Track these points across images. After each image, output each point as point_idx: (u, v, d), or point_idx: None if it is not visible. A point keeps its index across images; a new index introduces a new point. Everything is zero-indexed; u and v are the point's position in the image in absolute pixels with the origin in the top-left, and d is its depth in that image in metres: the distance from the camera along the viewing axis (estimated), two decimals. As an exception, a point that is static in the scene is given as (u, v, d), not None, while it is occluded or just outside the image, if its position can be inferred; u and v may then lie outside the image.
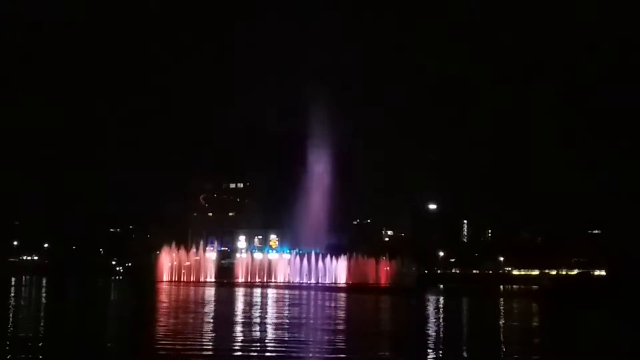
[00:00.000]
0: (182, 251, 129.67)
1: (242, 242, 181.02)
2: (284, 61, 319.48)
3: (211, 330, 31.88)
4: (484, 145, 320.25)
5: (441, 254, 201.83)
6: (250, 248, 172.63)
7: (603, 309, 53.86)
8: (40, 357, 22.81)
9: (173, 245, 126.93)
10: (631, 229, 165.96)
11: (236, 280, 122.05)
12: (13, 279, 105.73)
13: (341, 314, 46.34)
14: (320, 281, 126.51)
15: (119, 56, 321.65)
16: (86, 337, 28.69)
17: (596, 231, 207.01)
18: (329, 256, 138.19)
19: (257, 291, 78.69)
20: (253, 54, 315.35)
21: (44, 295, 65.56)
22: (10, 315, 38.52)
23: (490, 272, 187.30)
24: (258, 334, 30.40)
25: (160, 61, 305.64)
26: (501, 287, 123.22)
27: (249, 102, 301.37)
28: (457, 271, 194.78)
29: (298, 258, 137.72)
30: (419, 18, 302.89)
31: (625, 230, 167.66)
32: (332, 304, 56.86)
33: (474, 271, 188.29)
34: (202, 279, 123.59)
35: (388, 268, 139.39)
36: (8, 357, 21.84)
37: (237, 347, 25.40)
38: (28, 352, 23.13)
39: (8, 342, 25.22)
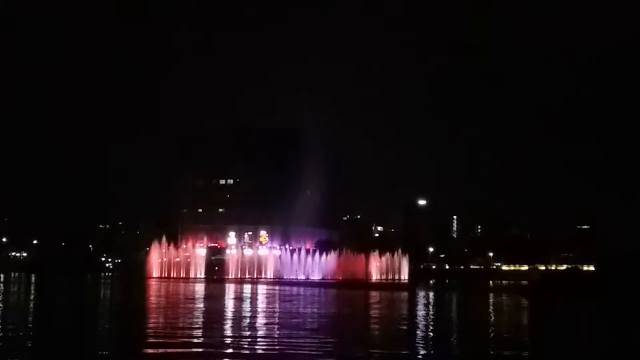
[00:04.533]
0: (172, 247, 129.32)
1: (232, 238, 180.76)
2: (277, 58, 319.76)
3: (199, 326, 31.80)
4: (475, 142, 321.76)
5: (431, 249, 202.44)
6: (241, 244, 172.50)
7: (592, 304, 54.12)
8: (26, 354, 22.70)
9: (163, 241, 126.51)
10: (619, 224, 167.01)
11: (226, 277, 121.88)
12: (2, 276, 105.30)
13: (331, 309, 46.40)
14: (310, 277, 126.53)
15: (111, 54, 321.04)
16: (73, 333, 28.55)
17: (585, 227, 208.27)
18: (319, 252, 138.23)
19: (247, 287, 78.64)
20: (245, 52, 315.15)
21: (32, 292, 65.24)
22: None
23: (480, 267, 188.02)
24: (246, 330, 30.33)
25: (152, 60, 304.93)
26: (491, 282, 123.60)
27: (240, 99, 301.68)
28: (447, 267, 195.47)
29: (288, 254, 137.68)
30: (420, 17, 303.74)
31: (614, 226, 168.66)
32: (322, 300, 56.90)
33: (464, 267, 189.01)
34: (192, 275, 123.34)
35: (378, 264, 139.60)
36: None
37: (224, 342, 25.33)
38: (14, 349, 22.97)
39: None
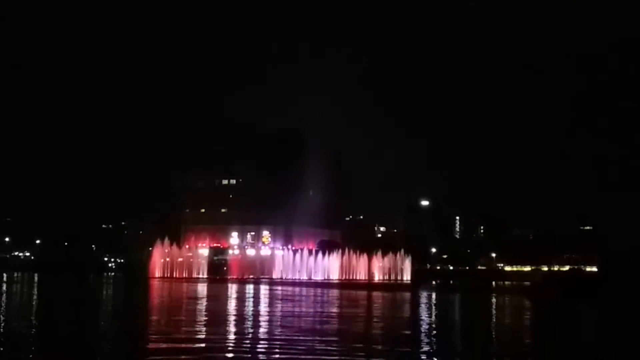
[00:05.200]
0: (175, 247, 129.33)
1: (234, 238, 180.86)
2: (277, 59, 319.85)
3: (201, 325, 31.81)
4: (478, 142, 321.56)
5: (433, 250, 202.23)
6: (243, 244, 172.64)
7: (594, 304, 54.08)
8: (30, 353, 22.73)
9: (165, 241, 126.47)
10: (623, 225, 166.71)
11: (229, 277, 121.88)
12: (5, 276, 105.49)
13: (332, 309, 46.42)
14: (313, 277, 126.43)
15: (112, 54, 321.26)
16: (76, 333, 28.60)
17: (588, 227, 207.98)
18: (321, 252, 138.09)
19: (249, 287, 78.63)
20: (246, 52, 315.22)
21: (35, 292, 65.34)
22: (1, 311, 38.35)
23: (483, 268, 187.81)
24: (250, 329, 30.35)
25: (154, 59, 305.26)
26: (493, 283, 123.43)
27: (242, 99, 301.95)
28: (450, 267, 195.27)
29: (291, 254, 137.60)
30: (422, 15, 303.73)
31: (616, 227, 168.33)
32: (324, 300, 56.91)
33: (467, 267, 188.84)
34: (194, 275, 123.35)
35: (381, 264, 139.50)
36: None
37: (226, 342, 25.36)
38: (18, 348, 23.01)
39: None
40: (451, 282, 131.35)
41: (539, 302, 56.86)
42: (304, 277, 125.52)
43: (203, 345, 24.49)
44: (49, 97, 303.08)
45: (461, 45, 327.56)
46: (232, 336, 27.46)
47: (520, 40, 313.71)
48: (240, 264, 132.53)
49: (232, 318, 36.46)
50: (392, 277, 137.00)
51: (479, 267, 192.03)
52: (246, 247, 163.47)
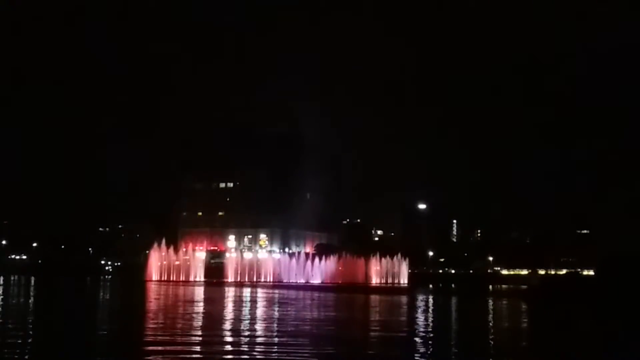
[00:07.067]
0: (172, 251, 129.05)
1: (231, 241, 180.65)
2: (277, 60, 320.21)
3: (196, 328, 31.79)
4: (475, 146, 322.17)
5: (431, 253, 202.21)
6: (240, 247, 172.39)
7: (591, 308, 54.08)
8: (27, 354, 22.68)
9: (162, 244, 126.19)
10: (619, 228, 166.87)
11: (225, 280, 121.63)
12: (1, 279, 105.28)
13: (329, 312, 46.38)
14: (310, 281, 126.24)
15: (112, 54, 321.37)
16: (72, 336, 28.54)
17: (585, 231, 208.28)
18: (319, 256, 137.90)
19: (246, 291, 78.54)
20: (246, 54, 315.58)
21: (31, 295, 65.22)
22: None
23: (480, 271, 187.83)
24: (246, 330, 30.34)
25: (152, 61, 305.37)
26: (490, 286, 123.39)
27: (241, 103, 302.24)
28: (447, 271, 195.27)
29: (288, 258, 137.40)
30: (412, 19, 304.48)
31: (614, 230, 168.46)
32: (321, 304, 56.87)
33: (464, 271, 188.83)
34: (191, 279, 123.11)
35: (378, 268, 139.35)
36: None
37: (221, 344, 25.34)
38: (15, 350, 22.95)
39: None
40: (448, 285, 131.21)
41: (536, 306, 56.86)
42: (302, 281, 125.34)
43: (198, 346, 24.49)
44: (47, 98, 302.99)
45: (460, 46, 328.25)
46: (226, 337, 27.44)
47: (520, 45, 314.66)
48: (237, 268, 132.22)
49: (229, 321, 36.44)
50: (390, 281, 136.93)
51: (476, 271, 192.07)
52: (243, 250, 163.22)
